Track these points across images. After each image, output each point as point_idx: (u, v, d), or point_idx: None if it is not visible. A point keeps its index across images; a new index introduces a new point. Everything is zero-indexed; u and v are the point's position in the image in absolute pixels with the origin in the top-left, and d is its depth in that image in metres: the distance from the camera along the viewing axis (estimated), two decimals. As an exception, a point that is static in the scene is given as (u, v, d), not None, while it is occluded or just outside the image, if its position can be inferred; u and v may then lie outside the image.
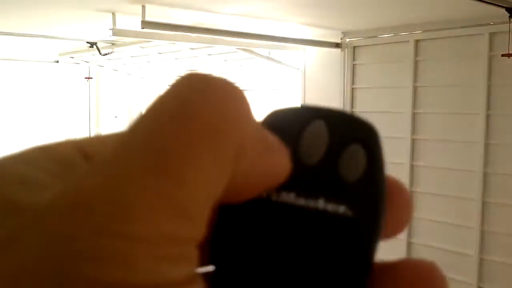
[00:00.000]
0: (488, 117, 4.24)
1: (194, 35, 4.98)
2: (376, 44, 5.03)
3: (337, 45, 5.33)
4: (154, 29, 4.50)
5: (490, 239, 4.24)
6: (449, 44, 4.49)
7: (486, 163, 4.22)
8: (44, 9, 4.40)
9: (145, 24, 4.38)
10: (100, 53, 6.86)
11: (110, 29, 4.54)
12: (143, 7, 4.09)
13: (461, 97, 4.47)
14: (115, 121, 9.71)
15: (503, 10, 3.45)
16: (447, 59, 4.50)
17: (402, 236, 4.59)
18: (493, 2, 3.25)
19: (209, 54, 6.77)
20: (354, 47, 5.26)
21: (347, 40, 5.16)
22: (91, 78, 7.61)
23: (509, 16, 3.46)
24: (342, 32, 5.16)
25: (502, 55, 3.71)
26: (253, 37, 5.08)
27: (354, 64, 5.27)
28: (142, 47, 6.87)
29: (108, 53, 6.99)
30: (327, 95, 5.86)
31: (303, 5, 4.02)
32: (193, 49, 6.96)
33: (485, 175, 4.23)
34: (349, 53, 5.25)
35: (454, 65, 4.46)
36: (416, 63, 4.66)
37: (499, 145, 4.14)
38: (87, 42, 6.65)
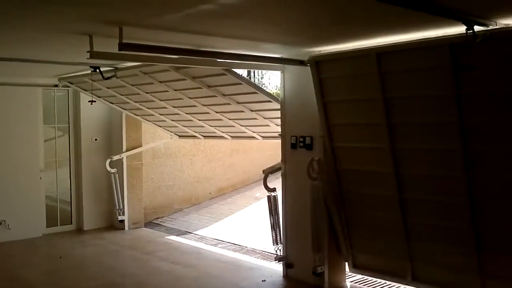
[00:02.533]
0: (460, 123, 4.40)
1: (171, 56, 5.13)
2: (341, 59, 5.27)
3: (301, 62, 5.53)
4: (132, 51, 4.62)
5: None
6: (412, 56, 4.65)
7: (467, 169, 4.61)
8: (23, 32, 4.50)
9: (123, 46, 4.51)
10: (103, 77, 7.07)
11: (87, 51, 4.66)
12: (120, 29, 4.22)
13: (432, 106, 4.68)
14: (94, 143, 9.76)
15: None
16: (412, 70, 4.67)
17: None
18: (450, 16, 3.40)
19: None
20: (318, 62, 5.47)
21: (311, 56, 5.46)
22: (95, 101, 7.75)
23: (466, 29, 3.61)
24: (307, 51, 5.39)
25: (458, 68, 3.86)
26: (226, 56, 5.26)
27: (321, 79, 5.46)
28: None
29: (110, 77, 7.13)
30: (305, 111, 6.05)
31: (273, 24, 4.18)
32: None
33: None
34: (314, 69, 5.42)
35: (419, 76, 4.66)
36: (381, 75, 4.81)
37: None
38: (90, 67, 6.80)
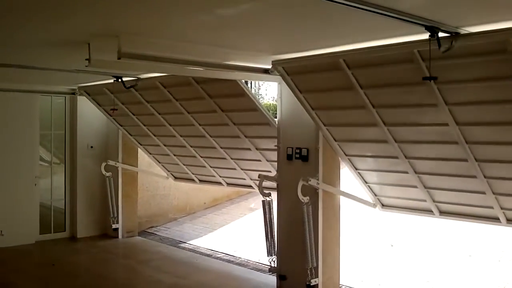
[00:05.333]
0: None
1: (169, 65, 5.17)
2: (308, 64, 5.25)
3: (265, 71, 5.57)
4: (131, 59, 4.67)
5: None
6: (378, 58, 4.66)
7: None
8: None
9: (122, 54, 4.54)
10: (125, 86, 7.26)
11: (86, 59, 4.69)
12: (119, 38, 4.25)
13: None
14: (90, 150, 9.74)
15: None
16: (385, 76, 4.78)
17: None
18: (413, 20, 3.37)
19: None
20: (287, 71, 5.52)
21: (278, 66, 5.44)
22: (116, 109, 7.86)
23: (430, 36, 3.60)
24: (273, 61, 5.41)
25: (423, 79, 3.86)
26: (212, 66, 5.34)
27: (296, 87, 5.61)
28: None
29: (133, 86, 7.21)
30: (302, 122, 6.09)
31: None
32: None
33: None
34: (284, 79, 5.61)
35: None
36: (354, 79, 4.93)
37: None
38: (113, 76, 6.87)
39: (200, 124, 7.53)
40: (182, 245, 9.34)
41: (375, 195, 6.18)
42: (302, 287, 6.14)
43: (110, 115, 9.11)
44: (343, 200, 6.47)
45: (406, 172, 5.48)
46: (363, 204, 6.39)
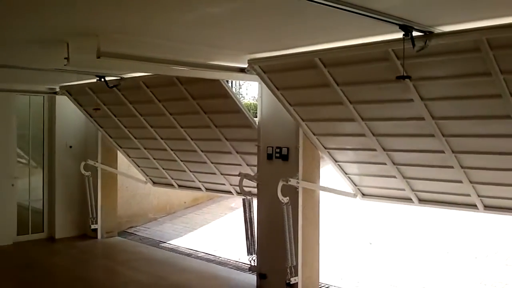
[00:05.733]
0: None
1: (147, 64, 5.15)
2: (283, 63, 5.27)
3: (241, 70, 5.60)
4: (110, 58, 4.65)
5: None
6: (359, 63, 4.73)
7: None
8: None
9: (101, 53, 4.52)
10: (108, 86, 7.21)
11: (65, 58, 4.65)
12: (98, 37, 4.23)
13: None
14: (69, 150, 9.64)
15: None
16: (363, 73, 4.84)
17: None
18: (387, 19, 3.41)
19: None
20: (263, 69, 5.54)
21: (254, 65, 5.46)
22: (99, 109, 7.81)
23: (404, 35, 3.66)
24: (249, 60, 5.42)
25: (397, 78, 3.92)
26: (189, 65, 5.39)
27: (273, 85, 5.67)
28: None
29: (116, 86, 7.16)
30: (282, 121, 6.12)
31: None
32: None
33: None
34: (261, 77, 5.63)
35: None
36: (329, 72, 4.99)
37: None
38: (96, 76, 6.81)
39: (181, 127, 7.50)
40: (162, 245, 9.30)
41: (355, 185, 6.27)
42: (282, 285, 6.17)
43: (91, 117, 9.04)
44: (323, 200, 6.52)
45: (385, 164, 5.58)
46: (344, 196, 6.47)
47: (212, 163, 7.70)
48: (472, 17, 3.59)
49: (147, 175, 9.52)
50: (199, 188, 8.58)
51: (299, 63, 5.11)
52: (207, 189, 8.51)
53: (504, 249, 8.07)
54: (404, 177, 5.62)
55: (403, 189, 5.75)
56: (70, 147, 9.68)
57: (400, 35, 3.80)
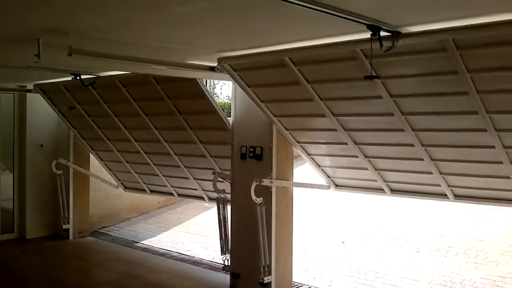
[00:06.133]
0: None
1: (118, 62, 5.12)
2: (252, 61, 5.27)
3: (211, 69, 5.62)
4: (82, 56, 4.60)
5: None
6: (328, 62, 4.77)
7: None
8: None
9: (72, 51, 4.47)
10: (83, 84, 7.12)
11: (35, 55, 4.58)
12: (69, 34, 4.18)
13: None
14: (40, 149, 9.50)
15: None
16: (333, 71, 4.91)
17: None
18: (355, 19, 3.44)
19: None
20: (233, 68, 5.55)
21: (224, 63, 5.45)
22: (74, 108, 7.66)
23: (371, 35, 3.71)
24: (218, 59, 5.40)
25: (365, 77, 3.98)
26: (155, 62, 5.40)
27: (244, 82, 5.70)
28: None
29: (92, 84, 7.06)
30: (256, 121, 6.16)
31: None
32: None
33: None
34: (231, 74, 5.64)
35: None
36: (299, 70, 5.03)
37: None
38: (71, 74, 6.73)
39: (156, 128, 7.44)
40: (136, 245, 9.24)
41: (329, 177, 6.35)
42: (255, 285, 6.20)
43: (64, 117, 8.91)
44: (296, 199, 6.57)
45: (356, 156, 5.67)
46: (317, 189, 6.58)
47: (185, 167, 7.66)
48: (439, 17, 3.64)
49: (119, 179, 9.42)
50: (171, 194, 8.51)
51: (269, 61, 5.14)
52: (179, 195, 8.45)
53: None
54: (375, 169, 5.73)
55: (375, 180, 5.86)
56: (41, 145, 9.53)
57: (368, 34, 3.82)
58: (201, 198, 8.00)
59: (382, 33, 3.82)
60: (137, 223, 10.91)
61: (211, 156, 7.16)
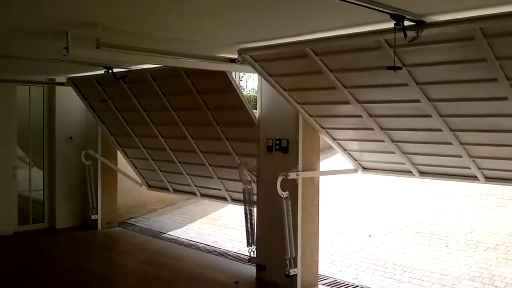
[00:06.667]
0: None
1: (148, 55, 5.16)
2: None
3: (232, 61, 5.59)
4: (110, 49, 4.65)
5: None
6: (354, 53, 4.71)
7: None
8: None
9: (100, 44, 4.52)
10: (115, 78, 7.21)
11: (64, 48, 4.64)
12: (98, 27, 4.22)
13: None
14: (69, 141, 9.65)
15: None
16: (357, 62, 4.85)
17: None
18: (378, 8, 3.36)
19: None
20: (254, 59, 5.51)
21: (245, 54, 5.41)
22: (106, 100, 7.89)
23: (395, 24, 3.60)
24: (239, 50, 5.37)
25: (388, 68, 3.88)
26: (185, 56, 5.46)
27: (266, 72, 5.66)
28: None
29: (123, 77, 7.17)
30: (282, 113, 6.14)
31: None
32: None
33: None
34: (252, 65, 5.60)
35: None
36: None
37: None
38: (104, 67, 6.94)
39: (183, 124, 7.49)
40: (162, 235, 9.33)
41: (355, 160, 6.30)
42: (281, 277, 6.20)
43: (94, 111, 9.05)
44: (323, 193, 6.53)
45: (383, 141, 5.62)
46: (345, 174, 6.61)
47: (210, 165, 7.69)
48: (465, 6, 3.52)
49: (143, 178, 9.54)
50: (194, 193, 8.57)
51: (290, 52, 5.09)
52: (201, 195, 8.50)
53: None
54: (403, 153, 5.67)
55: (403, 163, 5.81)
56: (70, 138, 9.69)
57: (391, 24, 3.72)
58: (224, 199, 8.03)
59: (406, 23, 3.71)
60: (164, 214, 11.02)
61: (236, 154, 7.16)
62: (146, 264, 7.64)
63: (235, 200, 7.80)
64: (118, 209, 10.09)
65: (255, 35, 4.90)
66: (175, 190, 9.03)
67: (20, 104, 9.36)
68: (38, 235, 9.22)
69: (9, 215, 9.11)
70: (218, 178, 7.75)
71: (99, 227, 9.62)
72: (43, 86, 9.57)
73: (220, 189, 7.90)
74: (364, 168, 6.33)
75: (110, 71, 7.07)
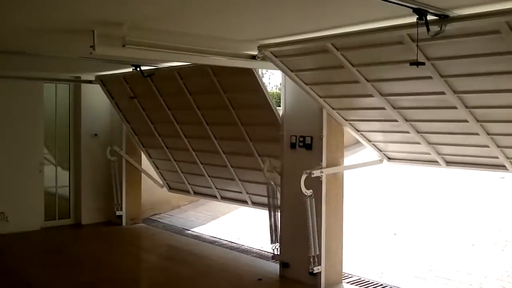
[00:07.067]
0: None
1: (174, 52, 5.19)
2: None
3: (252, 57, 5.56)
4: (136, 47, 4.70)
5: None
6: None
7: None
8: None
9: (126, 42, 4.56)
10: (143, 75, 7.34)
11: (90, 46, 4.69)
12: (123, 25, 4.26)
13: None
14: (94, 139, 9.77)
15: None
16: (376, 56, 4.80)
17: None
18: (400, 3, 3.30)
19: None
20: (275, 54, 5.48)
21: (265, 50, 5.39)
22: (135, 97, 8.10)
23: (417, 19, 3.51)
24: (259, 46, 5.35)
25: (411, 64, 3.78)
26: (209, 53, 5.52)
27: (287, 67, 5.64)
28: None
29: (151, 75, 7.26)
30: (306, 110, 6.11)
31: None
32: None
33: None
34: (273, 61, 5.56)
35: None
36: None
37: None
38: (132, 65, 7.08)
39: (207, 124, 7.51)
40: (186, 232, 9.38)
41: (380, 150, 6.25)
42: (305, 274, 6.18)
43: (120, 110, 9.15)
44: (347, 190, 6.48)
45: (408, 132, 5.55)
46: (370, 166, 6.56)
47: (232, 166, 7.71)
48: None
49: (165, 179, 9.62)
50: (214, 196, 8.61)
51: (311, 48, 5.05)
52: (222, 197, 8.53)
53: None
54: (429, 143, 5.59)
55: (429, 153, 5.74)
56: (95, 135, 9.80)
57: (414, 18, 3.64)
58: (244, 202, 8.04)
59: (429, 17, 3.62)
60: (187, 211, 11.07)
61: (259, 155, 7.15)
62: (169, 260, 7.69)
63: (255, 203, 7.83)
64: (142, 206, 10.18)
65: (275, 31, 4.88)
66: (195, 193, 9.11)
67: (46, 102, 9.50)
68: (64, 231, 9.36)
69: (36, 210, 9.27)
70: (240, 180, 7.77)
71: (124, 223, 9.71)
72: (69, 84, 9.71)
73: (240, 192, 7.92)
74: (390, 159, 6.27)
75: (138, 69, 7.15)
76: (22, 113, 9.04)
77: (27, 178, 9.12)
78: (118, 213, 9.56)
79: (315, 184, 6.05)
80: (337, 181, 6.32)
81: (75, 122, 9.80)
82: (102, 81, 9.00)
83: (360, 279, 6.61)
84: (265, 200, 6.79)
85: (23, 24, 4.62)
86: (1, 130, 8.82)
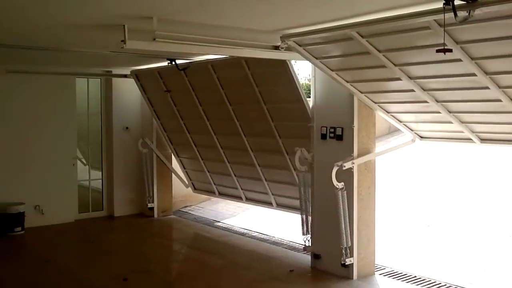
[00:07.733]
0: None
1: (203, 45, 5.20)
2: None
3: (275, 48, 5.51)
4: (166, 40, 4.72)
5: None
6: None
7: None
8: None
9: (157, 36, 4.59)
10: (178, 68, 7.43)
11: (121, 40, 4.73)
12: (153, 19, 4.28)
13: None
14: (126, 132, 9.87)
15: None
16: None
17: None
18: None
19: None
20: (298, 43, 5.37)
21: (288, 40, 5.27)
22: (170, 91, 8.21)
23: (444, 4, 3.37)
24: (281, 36, 5.24)
25: (437, 51, 3.70)
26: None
27: (311, 55, 5.54)
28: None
29: (185, 69, 7.43)
30: (336, 101, 6.05)
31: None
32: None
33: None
34: (296, 50, 5.46)
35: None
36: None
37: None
38: (167, 59, 7.15)
39: (237, 119, 7.53)
40: (216, 224, 9.44)
41: (412, 130, 6.18)
42: (336, 266, 6.15)
43: (151, 105, 9.25)
44: (381, 180, 6.40)
45: (439, 112, 5.44)
46: (402, 148, 6.45)
47: (259, 165, 7.71)
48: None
49: (190, 179, 9.70)
50: (239, 197, 8.64)
51: (335, 36, 4.95)
52: (247, 199, 8.55)
53: None
54: (462, 122, 5.48)
55: (462, 132, 5.64)
56: (127, 128, 9.92)
57: (440, 3, 3.49)
58: (269, 203, 8.05)
59: (456, 2, 3.45)
60: (217, 203, 11.12)
61: (287, 153, 7.13)
62: (200, 251, 7.75)
63: (280, 205, 7.83)
64: (174, 198, 10.27)
65: (299, 21, 4.80)
66: (220, 193, 9.16)
67: (79, 96, 9.65)
68: (97, 223, 9.53)
69: (70, 203, 9.46)
70: (266, 180, 7.77)
71: (155, 215, 9.83)
72: (100, 78, 9.84)
73: (266, 193, 7.93)
74: (422, 137, 6.18)
75: (173, 63, 7.20)
76: (55, 108, 9.22)
77: (61, 171, 9.30)
78: (149, 205, 9.67)
79: (346, 176, 5.99)
80: (369, 172, 6.25)
81: (106, 116, 9.94)
82: (137, 75, 9.09)
83: (393, 270, 6.53)
84: (289, 202, 6.79)
85: (56, 20, 4.69)
86: (35, 125, 9.01)
